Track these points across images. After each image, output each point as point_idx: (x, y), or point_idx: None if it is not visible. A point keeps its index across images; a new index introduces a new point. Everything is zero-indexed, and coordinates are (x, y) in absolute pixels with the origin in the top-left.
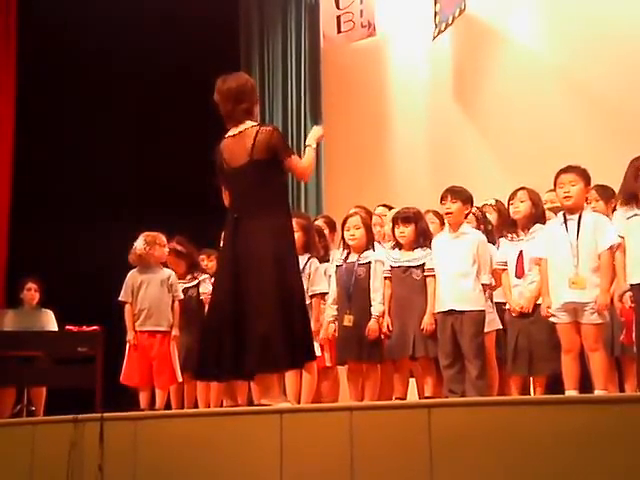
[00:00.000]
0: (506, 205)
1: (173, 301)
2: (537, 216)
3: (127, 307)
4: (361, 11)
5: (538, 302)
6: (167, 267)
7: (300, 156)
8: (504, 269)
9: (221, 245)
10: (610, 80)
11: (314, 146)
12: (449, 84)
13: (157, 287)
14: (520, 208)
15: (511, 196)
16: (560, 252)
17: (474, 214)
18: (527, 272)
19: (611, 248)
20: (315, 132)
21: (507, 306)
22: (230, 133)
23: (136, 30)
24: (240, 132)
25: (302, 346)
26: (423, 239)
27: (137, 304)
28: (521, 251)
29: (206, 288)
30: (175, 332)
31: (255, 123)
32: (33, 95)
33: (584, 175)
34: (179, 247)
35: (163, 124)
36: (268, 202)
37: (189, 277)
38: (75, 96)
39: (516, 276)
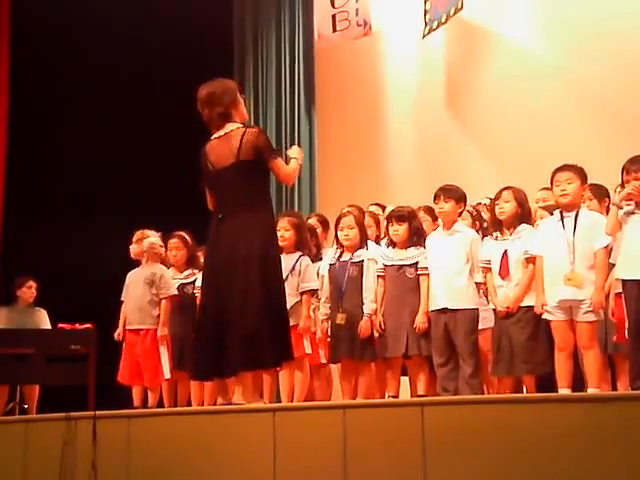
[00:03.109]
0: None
1: (160, 299)
2: (523, 216)
3: (123, 306)
4: (357, 10)
5: (522, 304)
6: (166, 262)
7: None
8: (488, 268)
9: (206, 245)
10: (605, 80)
11: (300, 160)
12: (443, 83)
13: (140, 286)
14: (505, 208)
15: (496, 196)
16: (556, 250)
17: (469, 212)
18: (512, 273)
19: (607, 247)
20: (297, 151)
21: (491, 305)
22: (215, 135)
23: (132, 29)
24: (226, 134)
25: (286, 344)
26: (417, 238)
27: (126, 302)
28: (505, 251)
29: None
30: (162, 331)
31: (240, 125)
32: (28, 93)
33: (581, 173)
34: (186, 235)
35: (162, 123)
36: (253, 201)
37: (187, 272)
38: (72, 94)
39: (500, 276)
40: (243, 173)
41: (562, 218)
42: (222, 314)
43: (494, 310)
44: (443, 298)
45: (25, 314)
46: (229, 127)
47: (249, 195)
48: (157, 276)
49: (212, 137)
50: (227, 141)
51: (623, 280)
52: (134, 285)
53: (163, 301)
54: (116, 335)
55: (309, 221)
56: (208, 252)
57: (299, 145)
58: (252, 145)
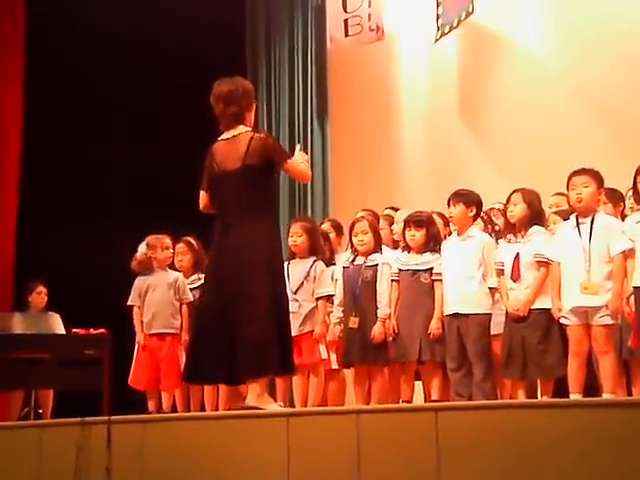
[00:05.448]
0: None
1: (181, 304)
2: (533, 217)
3: (135, 310)
4: (369, 15)
5: (533, 307)
6: (174, 269)
7: None
8: (501, 270)
9: (210, 250)
10: (617, 83)
11: (307, 162)
12: (455, 88)
13: (164, 290)
14: (514, 212)
15: (507, 200)
16: (572, 256)
17: (481, 217)
18: (523, 276)
19: (624, 252)
20: (301, 156)
21: (502, 308)
22: (223, 136)
23: (143, 32)
24: (234, 136)
25: (290, 354)
26: (433, 243)
27: (145, 307)
28: (517, 254)
29: None
30: (185, 336)
31: (249, 129)
32: (43, 97)
33: (597, 177)
34: (192, 240)
35: (172, 126)
36: (258, 207)
37: (193, 278)
38: (86, 97)
39: (511, 278)
40: (248, 178)
41: (578, 224)
42: (227, 321)
43: (505, 313)
44: (455, 303)
45: (39, 319)
46: (238, 130)
47: (253, 201)
48: (180, 282)
49: (220, 138)
50: (234, 144)
51: (635, 287)
52: (155, 290)
53: (184, 306)
54: (140, 340)
55: (322, 226)
56: (212, 258)
57: (311, 149)
58: (259, 151)
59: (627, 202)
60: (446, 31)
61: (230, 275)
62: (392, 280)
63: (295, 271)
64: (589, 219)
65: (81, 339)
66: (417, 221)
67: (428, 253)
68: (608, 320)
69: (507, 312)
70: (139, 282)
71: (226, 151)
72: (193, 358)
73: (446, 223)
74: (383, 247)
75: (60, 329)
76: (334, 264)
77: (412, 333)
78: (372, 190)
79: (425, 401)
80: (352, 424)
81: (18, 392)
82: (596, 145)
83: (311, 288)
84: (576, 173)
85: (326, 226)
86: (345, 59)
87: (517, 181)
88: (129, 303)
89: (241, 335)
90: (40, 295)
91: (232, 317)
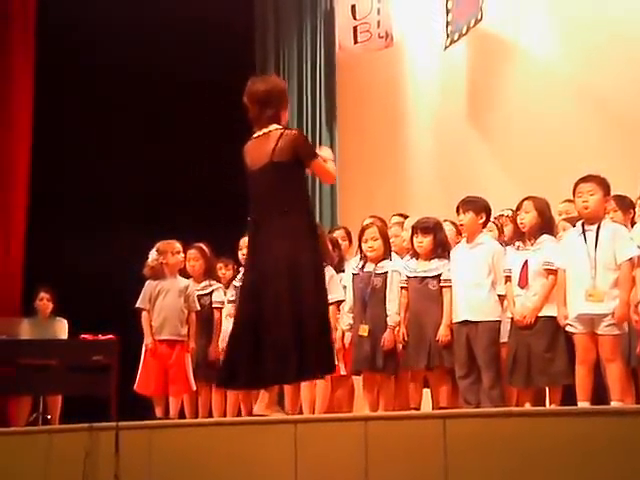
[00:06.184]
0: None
1: (189, 312)
2: (544, 225)
3: (144, 314)
4: (378, 22)
5: (539, 314)
6: (185, 273)
7: None
8: (508, 276)
9: (246, 251)
10: (625, 90)
11: (331, 158)
12: (463, 95)
13: (175, 296)
14: (525, 219)
15: (517, 207)
16: (578, 263)
17: (495, 224)
18: (530, 283)
19: (631, 260)
20: (328, 152)
21: (509, 314)
22: (255, 134)
23: (143, 32)
24: (264, 134)
25: (317, 355)
26: (441, 250)
27: (155, 312)
28: (526, 261)
29: (219, 297)
30: (192, 344)
31: (280, 126)
32: (44, 97)
33: (603, 185)
34: (204, 246)
35: (172, 126)
36: (287, 204)
37: (204, 284)
38: (86, 97)
39: (519, 286)
40: (277, 175)
41: (584, 231)
42: (256, 325)
43: (511, 319)
44: (464, 310)
45: (44, 325)
46: (269, 128)
47: (283, 199)
48: (190, 289)
49: (253, 136)
50: (264, 141)
51: None
52: (167, 295)
53: (193, 314)
54: (149, 343)
55: (335, 233)
56: (245, 259)
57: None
58: (289, 147)
59: (638, 209)
60: (455, 38)
61: (259, 277)
62: (401, 287)
63: None
64: (595, 226)
65: (89, 345)
66: (424, 227)
67: (436, 259)
68: (614, 330)
69: (512, 319)
70: (150, 286)
71: (255, 150)
72: (228, 363)
73: (459, 232)
74: (392, 254)
75: (63, 334)
76: (343, 271)
77: (421, 340)
78: (380, 196)
79: (433, 408)
80: (360, 431)
81: (26, 398)
82: (605, 149)
83: None
84: (582, 180)
85: (339, 233)
86: (354, 66)
87: (526, 186)
88: (138, 305)
89: (266, 338)
90: (42, 301)
91: (260, 319)
